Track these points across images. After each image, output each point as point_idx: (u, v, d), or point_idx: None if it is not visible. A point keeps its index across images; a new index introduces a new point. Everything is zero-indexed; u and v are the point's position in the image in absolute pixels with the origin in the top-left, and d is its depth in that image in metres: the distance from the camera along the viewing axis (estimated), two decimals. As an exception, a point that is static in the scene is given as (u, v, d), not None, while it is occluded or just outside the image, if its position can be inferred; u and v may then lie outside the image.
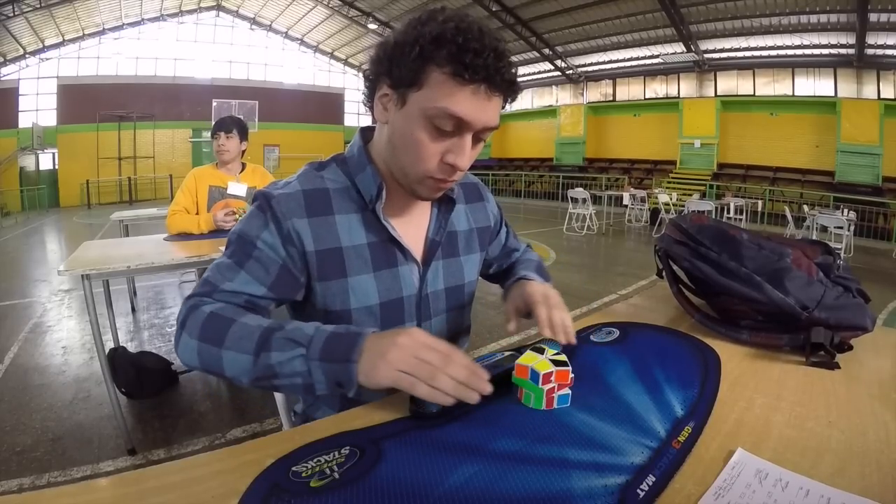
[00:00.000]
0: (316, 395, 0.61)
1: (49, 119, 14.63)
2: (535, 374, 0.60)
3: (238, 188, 2.54)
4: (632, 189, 10.52)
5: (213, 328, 0.65)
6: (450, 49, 0.61)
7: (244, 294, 0.71)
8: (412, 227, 0.81)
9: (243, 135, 2.56)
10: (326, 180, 0.77)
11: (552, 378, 0.59)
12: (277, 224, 0.71)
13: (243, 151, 2.61)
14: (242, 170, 2.63)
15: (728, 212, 8.93)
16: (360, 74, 0.72)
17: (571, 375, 0.61)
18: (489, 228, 0.94)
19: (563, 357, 0.63)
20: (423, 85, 0.63)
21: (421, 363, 0.56)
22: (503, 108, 0.69)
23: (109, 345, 2.56)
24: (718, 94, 13.84)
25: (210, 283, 0.71)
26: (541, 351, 0.65)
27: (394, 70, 0.65)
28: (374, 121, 0.77)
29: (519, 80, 0.68)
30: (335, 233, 0.74)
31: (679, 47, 13.18)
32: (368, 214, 0.76)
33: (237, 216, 2.39)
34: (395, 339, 0.57)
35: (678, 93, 14.58)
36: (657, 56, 13.98)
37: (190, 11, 16.86)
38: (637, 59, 14.73)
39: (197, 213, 2.50)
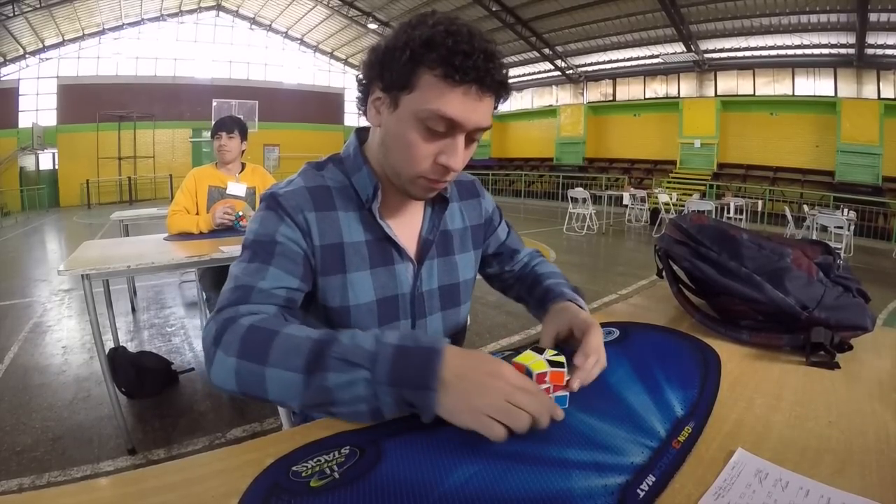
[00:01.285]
0: (384, 418, 0.55)
1: (49, 119, 14.63)
2: (528, 374, 0.58)
3: (237, 188, 2.55)
4: (632, 189, 10.52)
5: (255, 342, 0.58)
6: (440, 52, 0.61)
7: (282, 289, 0.68)
8: (406, 227, 0.82)
9: (244, 135, 2.57)
10: (327, 179, 0.78)
11: (546, 378, 0.58)
12: (292, 218, 0.72)
13: (243, 151, 2.61)
14: (242, 170, 2.63)
15: (728, 212, 8.92)
16: (356, 76, 0.71)
17: (567, 377, 0.60)
18: (482, 226, 0.94)
19: (562, 358, 0.61)
20: (414, 88, 0.64)
21: (514, 413, 0.50)
22: (495, 108, 0.69)
23: (109, 345, 2.56)
24: (718, 94, 13.84)
25: (241, 287, 0.67)
26: (540, 351, 0.64)
27: (385, 74, 0.66)
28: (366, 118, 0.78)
29: (512, 80, 0.69)
30: (338, 228, 0.75)
31: (679, 47, 13.18)
32: (365, 213, 0.77)
33: (233, 216, 2.39)
34: (485, 381, 0.51)
35: (678, 93, 14.58)
36: (657, 56, 13.98)
37: (190, 11, 16.86)
38: (637, 59, 14.72)
39: (197, 214, 2.50)
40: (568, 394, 0.60)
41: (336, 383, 0.53)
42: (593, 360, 0.63)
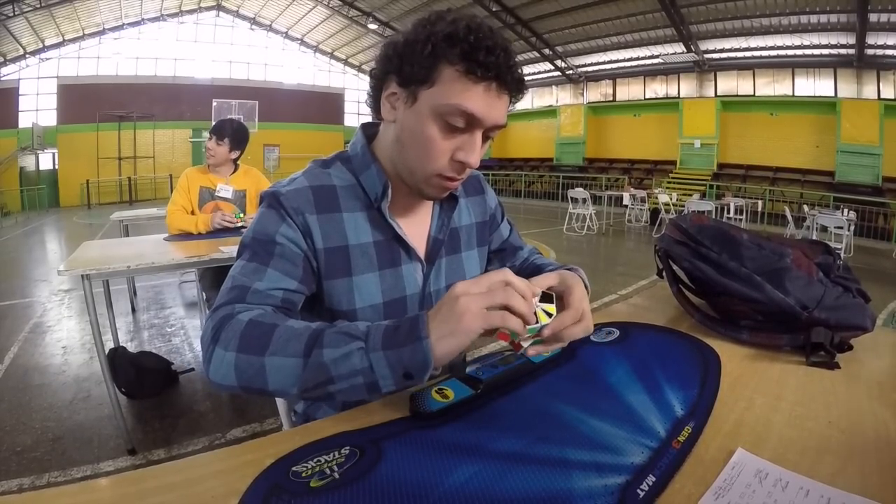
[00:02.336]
0: (381, 393, 0.55)
1: (49, 119, 14.62)
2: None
3: (226, 191, 2.55)
4: (632, 189, 10.52)
5: (254, 335, 0.58)
6: (463, 47, 0.61)
7: (279, 290, 0.67)
8: (415, 226, 0.80)
9: (236, 144, 2.54)
10: (333, 177, 0.76)
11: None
12: (293, 218, 0.71)
13: (235, 159, 2.60)
14: (235, 171, 2.63)
15: (728, 212, 8.93)
16: (361, 74, 0.70)
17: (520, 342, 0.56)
18: (487, 222, 0.93)
19: (551, 309, 0.57)
20: (434, 82, 0.64)
21: (490, 294, 0.52)
22: (509, 108, 0.70)
23: (109, 345, 2.56)
24: (718, 94, 13.84)
25: (238, 287, 0.66)
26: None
27: (404, 67, 0.65)
28: (374, 118, 0.77)
29: (525, 84, 0.69)
30: (342, 231, 0.73)
31: (679, 47, 13.18)
32: (374, 213, 0.76)
33: (232, 225, 2.40)
34: (454, 300, 0.52)
35: (678, 93, 14.58)
36: (657, 56, 13.98)
37: (190, 11, 16.86)
38: (637, 59, 14.73)
39: (192, 213, 2.51)
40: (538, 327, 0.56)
41: (332, 357, 0.53)
42: (570, 315, 0.59)
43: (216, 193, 2.54)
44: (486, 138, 0.69)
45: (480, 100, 0.63)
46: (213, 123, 2.57)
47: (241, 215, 2.44)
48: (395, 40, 0.68)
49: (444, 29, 0.63)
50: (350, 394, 0.55)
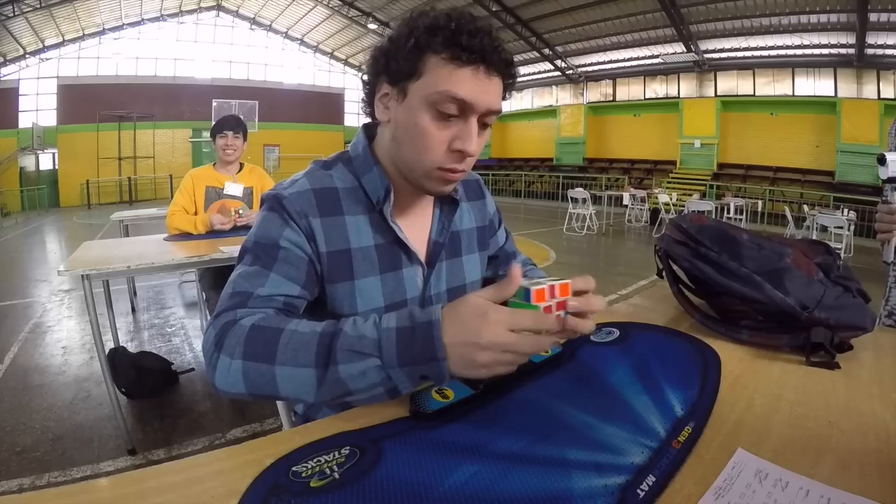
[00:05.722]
0: (401, 396, 0.57)
1: (49, 119, 14.64)
2: (526, 293, 0.53)
3: (235, 188, 2.56)
4: (632, 189, 10.53)
5: (259, 342, 0.57)
6: (445, 34, 0.62)
7: (281, 296, 0.67)
8: (416, 229, 0.80)
9: (246, 135, 2.59)
10: (335, 179, 0.76)
11: (550, 294, 0.53)
12: (296, 222, 0.70)
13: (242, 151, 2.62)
14: (240, 170, 2.63)
15: (728, 212, 8.93)
16: (360, 74, 0.70)
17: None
18: (486, 227, 0.93)
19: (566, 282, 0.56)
20: (422, 73, 0.64)
21: (514, 359, 0.52)
22: (504, 96, 0.70)
23: (109, 345, 2.56)
24: (718, 94, 13.84)
25: (239, 293, 0.65)
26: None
27: (391, 65, 0.66)
28: (373, 120, 0.77)
29: (515, 66, 0.69)
30: (344, 234, 0.73)
31: (679, 47, 13.18)
32: (375, 216, 0.75)
33: (234, 217, 2.40)
34: (481, 340, 0.50)
35: (678, 93, 14.58)
36: (657, 56, 13.99)
37: (190, 11, 16.87)
38: (637, 59, 14.73)
39: (195, 214, 2.51)
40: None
41: (349, 374, 0.54)
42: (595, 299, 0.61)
43: (225, 192, 2.54)
44: (483, 126, 0.68)
45: (469, 83, 0.63)
46: (213, 124, 2.57)
47: (241, 211, 2.44)
48: (381, 43, 0.69)
49: (425, 21, 0.64)
50: (369, 401, 0.57)
